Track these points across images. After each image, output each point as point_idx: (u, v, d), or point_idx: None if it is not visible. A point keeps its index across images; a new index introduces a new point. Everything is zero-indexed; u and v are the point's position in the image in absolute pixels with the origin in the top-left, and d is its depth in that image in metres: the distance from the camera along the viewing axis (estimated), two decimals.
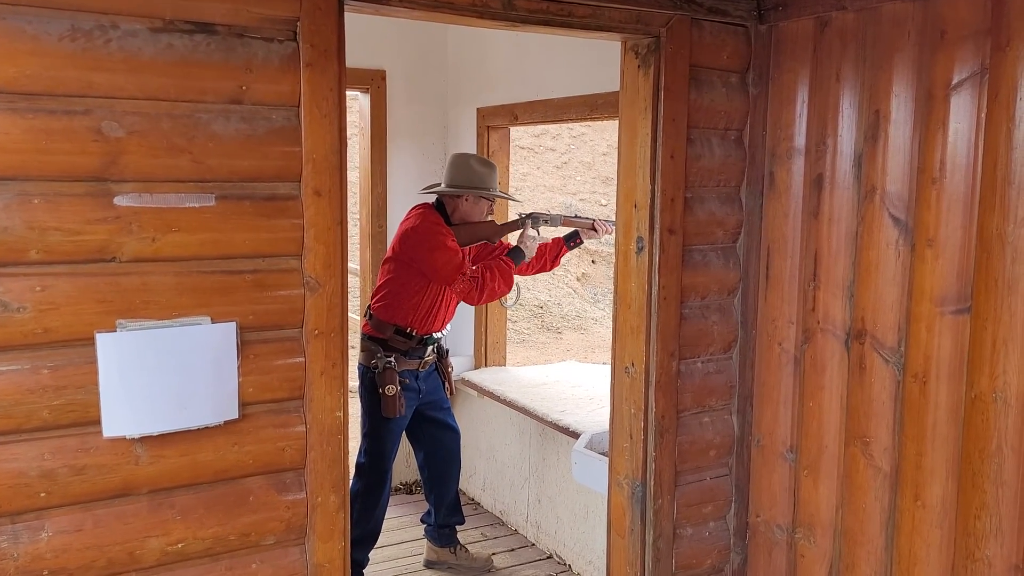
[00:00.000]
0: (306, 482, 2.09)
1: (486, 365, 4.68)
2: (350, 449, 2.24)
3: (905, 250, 2.34)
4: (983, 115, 2.14)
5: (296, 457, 2.07)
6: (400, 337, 3.47)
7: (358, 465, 3.57)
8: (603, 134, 13.27)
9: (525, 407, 4.03)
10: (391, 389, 3.38)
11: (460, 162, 3.53)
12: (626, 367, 2.72)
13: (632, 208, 2.63)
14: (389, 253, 3.54)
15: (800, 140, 2.62)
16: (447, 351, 3.74)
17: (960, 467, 2.25)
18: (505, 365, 4.77)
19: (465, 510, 4.03)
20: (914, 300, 2.33)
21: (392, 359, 3.42)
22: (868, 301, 2.45)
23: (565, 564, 3.95)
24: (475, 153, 4.11)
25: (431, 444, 3.79)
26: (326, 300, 2.05)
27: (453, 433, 3.82)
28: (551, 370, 4.77)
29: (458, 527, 3.93)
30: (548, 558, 4.04)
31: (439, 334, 3.60)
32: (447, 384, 3.75)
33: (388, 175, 4.50)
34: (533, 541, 4.19)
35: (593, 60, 3.51)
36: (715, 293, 2.75)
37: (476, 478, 4.64)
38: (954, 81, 2.20)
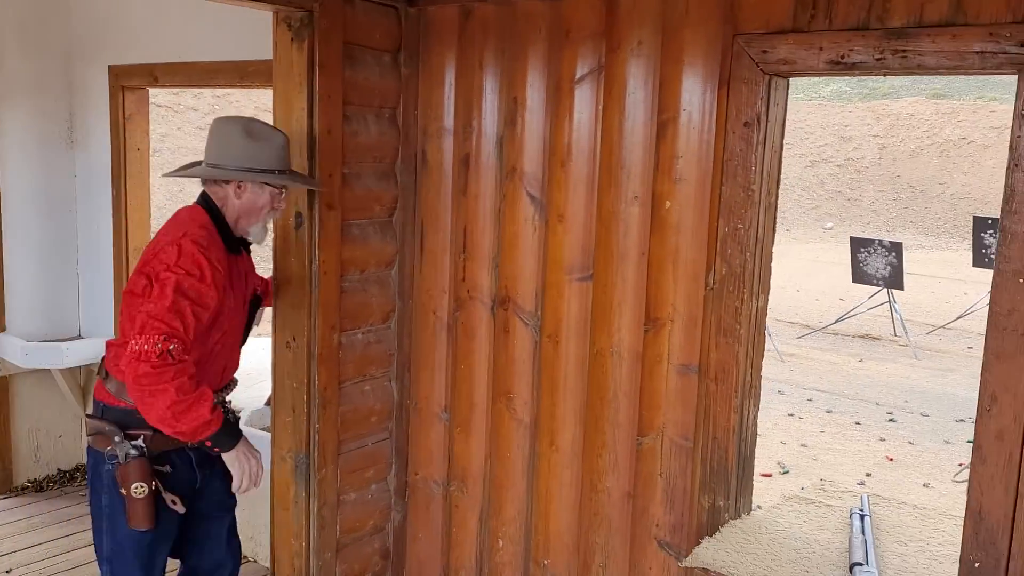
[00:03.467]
0: None
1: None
2: None
3: (540, 225, 2.62)
4: (601, 107, 2.46)
5: None
6: None
7: None
8: (251, 95, 12.69)
9: None
10: (140, 489, 2.30)
11: (222, 132, 2.37)
12: (287, 342, 2.71)
13: None
14: (132, 281, 2.33)
15: (449, 121, 2.78)
16: (237, 413, 2.67)
17: (585, 414, 2.59)
18: None
19: None
20: (548, 269, 2.62)
21: (141, 440, 2.33)
22: (510, 271, 2.70)
23: None
24: (246, 117, 2.63)
25: (206, 559, 2.66)
26: None
27: (236, 547, 2.74)
28: None
29: None
30: None
31: (223, 393, 2.53)
32: None
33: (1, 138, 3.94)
34: None
35: (244, 25, 3.38)
36: (374, 266, 2.84)
37: None
38: (577, 76, 2.49)
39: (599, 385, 2.55)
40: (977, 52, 1.85)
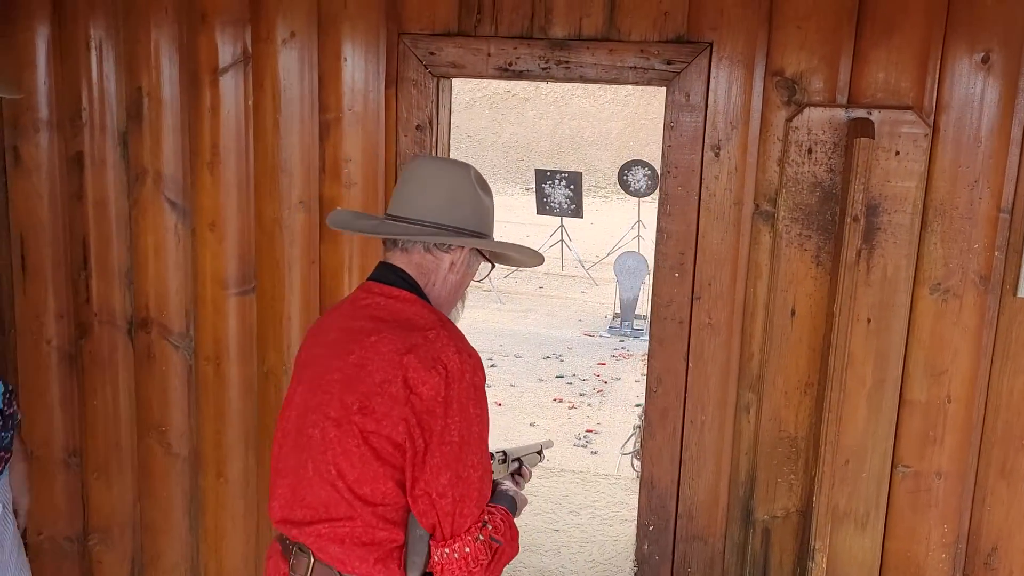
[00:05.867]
0: None
1: None
2: None
3: (186, 234, 2.29)
4: (251, 103, 2.20)
5: None
6: None
7: None
8: None
9: None
10: None
11: (453, 182, 1.56)
12: None
13: None
14: (356, 412, 1.41)
15: (48, 112, 2.28)
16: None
17: (258, 438, 2.37)
18: None
19: None
20: (200, 284, 2.31)
21: None
22: (151, 288, 2.33)
23: None
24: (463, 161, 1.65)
25: None
26: None
27: None
28: None
29: None
30: None
31: None
32: None
33: None
34: None
35: None
36: None
37: None
38: (221, 66, 2.19)
39: (272, 407, 2.34)
40: (631, 67, 2.00)
